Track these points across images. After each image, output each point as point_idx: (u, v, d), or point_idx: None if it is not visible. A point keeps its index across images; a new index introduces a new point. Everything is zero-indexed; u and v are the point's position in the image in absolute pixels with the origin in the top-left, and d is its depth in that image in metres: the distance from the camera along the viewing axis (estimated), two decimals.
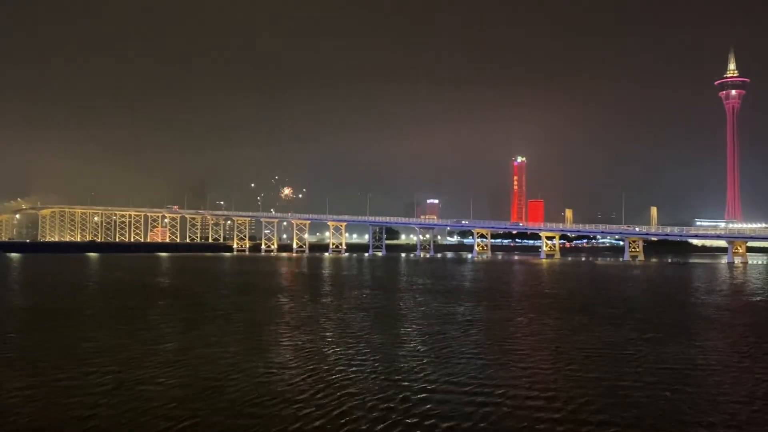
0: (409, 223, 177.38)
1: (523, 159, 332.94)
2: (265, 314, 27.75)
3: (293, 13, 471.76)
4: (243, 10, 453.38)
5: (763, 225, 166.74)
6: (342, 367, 16.29)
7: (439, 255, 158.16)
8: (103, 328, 23.18)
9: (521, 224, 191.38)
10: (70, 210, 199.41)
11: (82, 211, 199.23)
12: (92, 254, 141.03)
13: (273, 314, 27.81)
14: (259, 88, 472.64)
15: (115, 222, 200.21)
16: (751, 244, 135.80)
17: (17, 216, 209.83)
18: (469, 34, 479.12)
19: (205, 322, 25.06)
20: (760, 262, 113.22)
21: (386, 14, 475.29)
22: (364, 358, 17.55)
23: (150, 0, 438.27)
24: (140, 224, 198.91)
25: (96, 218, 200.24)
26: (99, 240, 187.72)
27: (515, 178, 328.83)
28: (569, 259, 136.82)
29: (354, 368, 16.17)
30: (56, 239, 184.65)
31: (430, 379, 14.89)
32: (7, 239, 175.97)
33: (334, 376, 15.21)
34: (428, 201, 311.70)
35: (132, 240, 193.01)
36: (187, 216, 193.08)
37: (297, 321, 25.37)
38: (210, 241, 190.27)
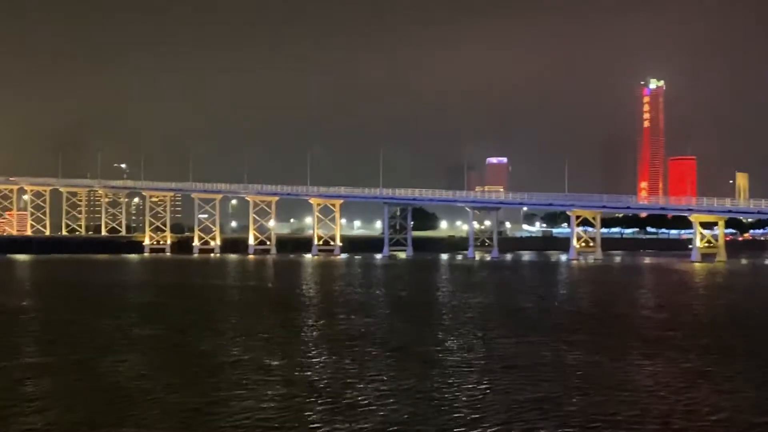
0: (455, 200, 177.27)
1: (660, 84, 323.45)
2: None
3: None
4: None
5: None
6: None
7: (508, 256, 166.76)
8: None
9: (657, 202, 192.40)
10: None
11: None
12: None
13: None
14: None
15: None
16: None
17: None
18: None
19: None
20: None
21: None
22: None
23: None
24: None
25: None
26: None
27: (645, 118, 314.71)
28: (743, 262, 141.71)
29: None
30: None
31: None
32: None
33: None
34: (489, 161, 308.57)
35: None
36: (62, 190, 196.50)
37: None
38: (103, 233, 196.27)
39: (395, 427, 17.88)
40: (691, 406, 20.44)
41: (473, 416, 19.17)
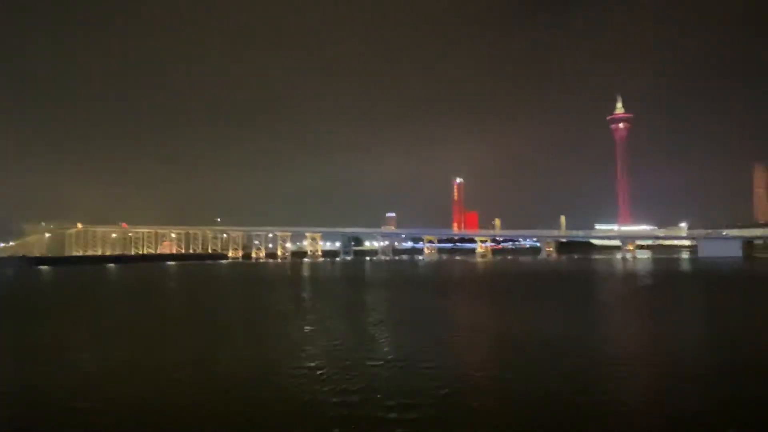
0: (373, 233, 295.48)
1: (461, 180, 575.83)
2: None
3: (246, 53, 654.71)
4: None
5: (648, 227, 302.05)
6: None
7: (396, 257, 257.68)
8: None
9: (462, 231, 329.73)
10: (93, 229, 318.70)
11: (103, 229, 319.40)
12: (111, 265, 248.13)
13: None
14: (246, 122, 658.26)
15: (130, 238, 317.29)
16: (639, 242, 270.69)
17: (47, 235, 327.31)
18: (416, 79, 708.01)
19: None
20: (645, 257, 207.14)
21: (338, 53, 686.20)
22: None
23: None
24: (152, 239, 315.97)
25: (114, 235, 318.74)
26: (117, 253, 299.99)
27: (455, 194, 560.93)
28: (498, 258, 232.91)
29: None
30: (81, 253, 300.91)
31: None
32: (39, 254, 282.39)
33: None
34: (387, 214, 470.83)
35: (145, 252, 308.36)
36: (190, 232, 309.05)
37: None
38: (209, 251, 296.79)
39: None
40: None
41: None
